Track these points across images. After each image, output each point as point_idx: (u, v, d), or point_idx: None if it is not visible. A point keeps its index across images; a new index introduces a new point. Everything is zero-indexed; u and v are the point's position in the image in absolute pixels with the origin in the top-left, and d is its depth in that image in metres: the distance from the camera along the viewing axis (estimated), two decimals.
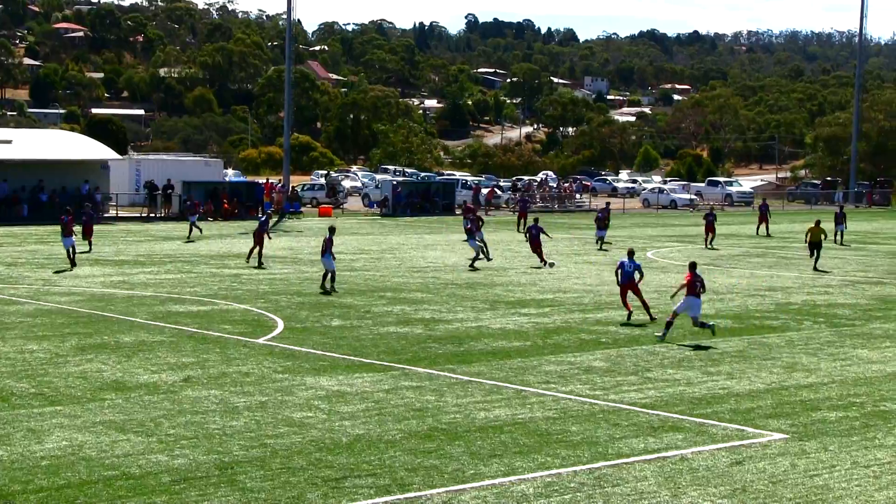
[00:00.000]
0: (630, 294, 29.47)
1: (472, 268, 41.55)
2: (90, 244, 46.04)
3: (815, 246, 44.43)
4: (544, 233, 43.56)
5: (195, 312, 29.71)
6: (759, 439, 17.73)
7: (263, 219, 42.86)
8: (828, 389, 21.55)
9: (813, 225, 45.10)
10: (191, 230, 53.20)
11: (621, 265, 29.57)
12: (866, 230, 68.14)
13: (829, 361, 24.43)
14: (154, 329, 26.89)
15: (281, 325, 27.84)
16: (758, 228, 63.56)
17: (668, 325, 26.50)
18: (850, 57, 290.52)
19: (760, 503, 14.53)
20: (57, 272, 38.28)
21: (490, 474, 15.50)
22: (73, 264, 39.78)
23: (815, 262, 44.01)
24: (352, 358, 23.67)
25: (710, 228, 53.28)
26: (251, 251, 41.72)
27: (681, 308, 26.40)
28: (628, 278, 29.30)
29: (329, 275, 34.72)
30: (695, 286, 26.06)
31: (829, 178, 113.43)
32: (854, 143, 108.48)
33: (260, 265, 40.58)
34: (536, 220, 44.62)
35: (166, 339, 25.46)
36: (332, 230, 35.75)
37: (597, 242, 52.03)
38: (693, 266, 26.50)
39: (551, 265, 42.39)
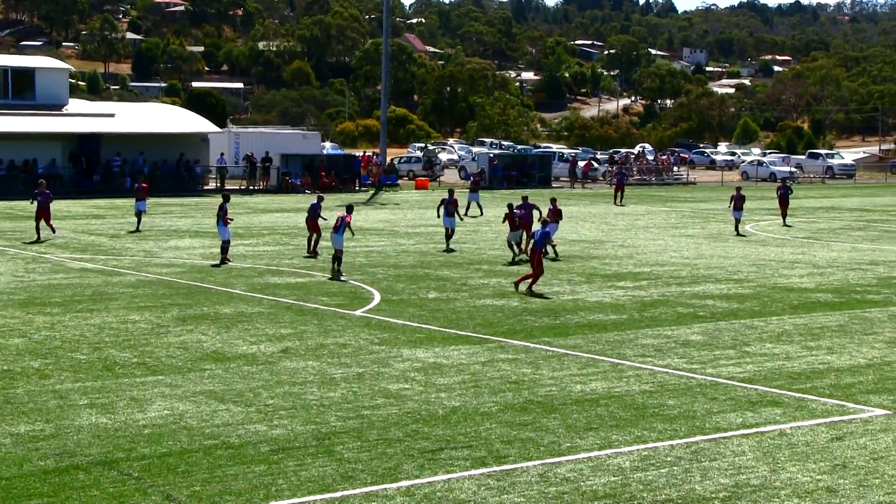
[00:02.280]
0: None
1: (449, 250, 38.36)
2: (51, 228, 40.46)
3: None
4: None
5: (293, 284, 30.04)
6: (859, 415, 17.45)
7: (315, 203, 37.02)
8: None
9: None
10: (139, 220, 44.05)
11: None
12: None
13: None
14: (252, 300, 27.25)
15: (377, 297, 28.03)
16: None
17: None
18: None
19: (861, 479, 14.32)
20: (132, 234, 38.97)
21: (586, 447, 15.48)
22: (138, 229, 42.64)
23: None
24: (448, 330, 23.76)
25: (783, 203, 50.19)
26: (309, 241, 36.67)
27: None
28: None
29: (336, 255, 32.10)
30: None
31: None
32: None
33: (314, 254, 36.12)
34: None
35: (264, 311, 25.79)
36: (349, 208, 34.11)
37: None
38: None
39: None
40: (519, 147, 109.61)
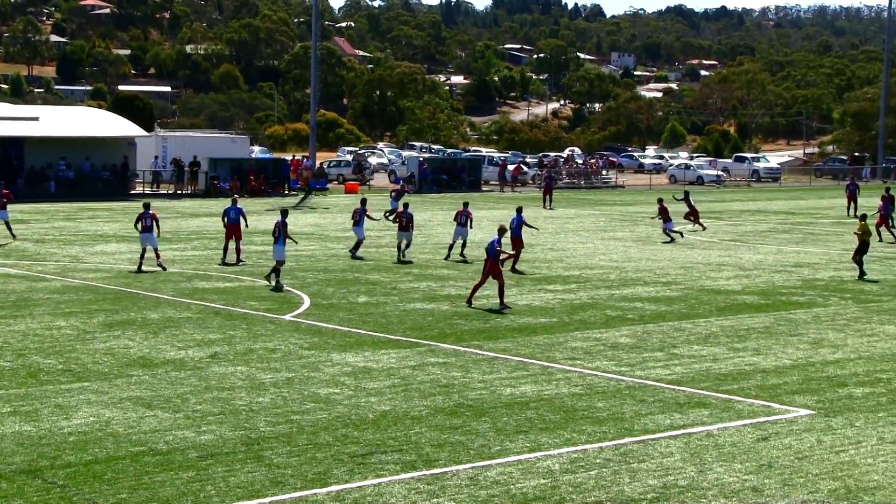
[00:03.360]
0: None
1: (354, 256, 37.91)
2: None
3: (863, 246, 34.65)
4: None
5: (222, 289, 29.82)
6: (785, 415, 17.68)
7: (231, 207, 35.37)
8: (854, 365, 21.47)
9: (860, 221, 35.63)
10: (9, 228, 42.08)
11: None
12: None
13: (856, 337, 24.32)
14: (181, 305, 27.01)
15: (307, 301, 27.92)
16: (848, 209, 58.37)
17: None
18: (878, 31, 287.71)
19: (786, 479, 14.51)
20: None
21: (516, 450, 15.53)
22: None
23: (861, 267, 34.71)
24: (378, 334, 23.72)
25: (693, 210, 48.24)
26: (226, 248, 35.49)
27: None
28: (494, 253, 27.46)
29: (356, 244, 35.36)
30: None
31: (856, 154, 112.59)
32: (882, 118, 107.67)
33: (239, 261, 35.01)
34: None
35: (193, 316, 25.57)
36: (363, 199, 35.07)
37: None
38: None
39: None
40: (449, 151, 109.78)
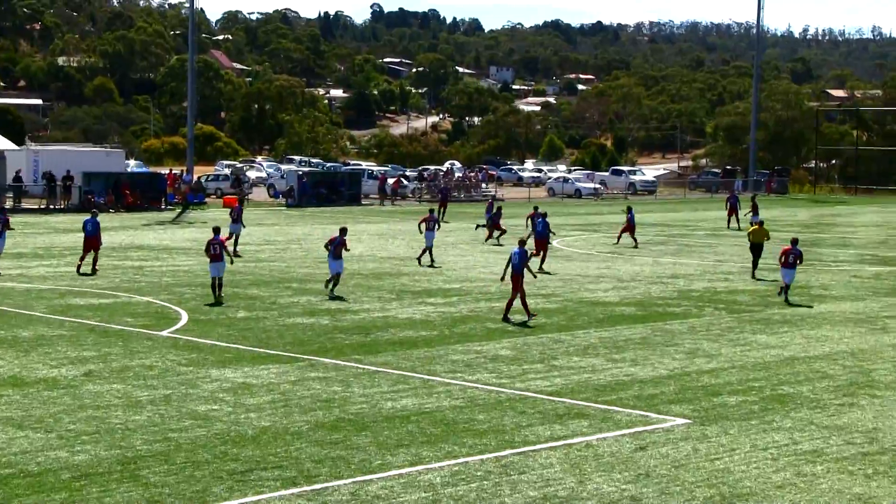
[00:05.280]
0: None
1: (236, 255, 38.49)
2: None
3: (756, 248, 37.72)
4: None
5: (96, 305, 29.24)
6: (662, 424, 17.95)
7: (88, 220, 35.87)
8: (728, 374, 21.91)
9: (756, 226, 39.25)
10: None
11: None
12: (765, 217, 69.13)
13: (730, 347, 24.83)
14: (53, 323, 26.41)
15: (185, 317, 27.52)
16: (728, 221, 59.51)
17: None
18: (748, 48, 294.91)
19: (663, 487, 14.72)
20: None
21: (397, 464, 15.49)
22: None
23: (755, 269, 37.86)
24: (258, 350, 23.49)
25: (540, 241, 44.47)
26: (82, 260, 35.71)
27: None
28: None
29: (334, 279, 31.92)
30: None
31: (728, 167, 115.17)
32: (753, 132, 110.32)
33: (94, 271, 35.40)
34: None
35: (66, 333, 25.02)
36: (343, 229, 32.59)
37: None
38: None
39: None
40: (328, 164, 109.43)
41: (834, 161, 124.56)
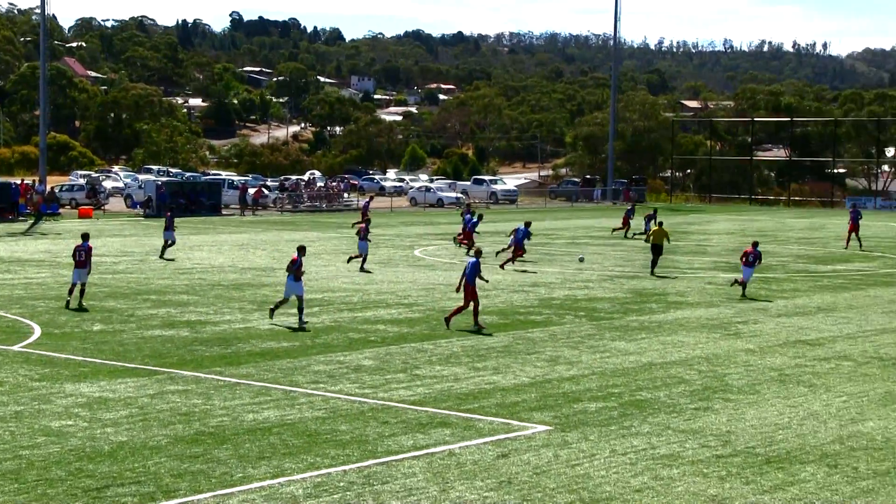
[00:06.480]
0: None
1: None
2: None
3: (656, 249, 41.73)
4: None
5: None
6: (523, 432, 18.09)
7: None
8: (588, 381, 22.20)
9: (656, 227, 42.49)
10: None
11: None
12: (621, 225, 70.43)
13: (590, 354, 25.17)
14: None
15: (38, 331, 26.80)
16: (848, 239, 55.98)
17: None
18: (605, 59, 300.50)
19: (525, 494, 14.82)
20: None
21: (258, 476, 15.30)
22: None
23: (653, 267, 41.61)
24: (115, 363, 22.99)
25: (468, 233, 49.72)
26: None
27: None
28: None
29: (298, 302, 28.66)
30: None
31: (588, 176, 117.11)
32: (611, 142, 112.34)
33: None
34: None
35: None
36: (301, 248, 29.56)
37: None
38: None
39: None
40: (187, 174, 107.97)
41: (689, 170, 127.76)
